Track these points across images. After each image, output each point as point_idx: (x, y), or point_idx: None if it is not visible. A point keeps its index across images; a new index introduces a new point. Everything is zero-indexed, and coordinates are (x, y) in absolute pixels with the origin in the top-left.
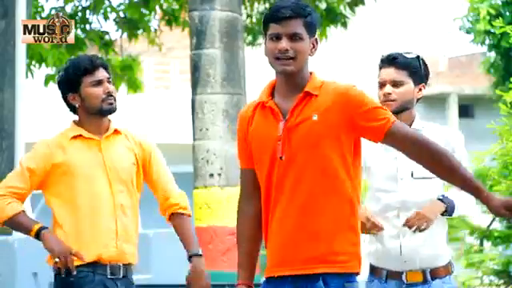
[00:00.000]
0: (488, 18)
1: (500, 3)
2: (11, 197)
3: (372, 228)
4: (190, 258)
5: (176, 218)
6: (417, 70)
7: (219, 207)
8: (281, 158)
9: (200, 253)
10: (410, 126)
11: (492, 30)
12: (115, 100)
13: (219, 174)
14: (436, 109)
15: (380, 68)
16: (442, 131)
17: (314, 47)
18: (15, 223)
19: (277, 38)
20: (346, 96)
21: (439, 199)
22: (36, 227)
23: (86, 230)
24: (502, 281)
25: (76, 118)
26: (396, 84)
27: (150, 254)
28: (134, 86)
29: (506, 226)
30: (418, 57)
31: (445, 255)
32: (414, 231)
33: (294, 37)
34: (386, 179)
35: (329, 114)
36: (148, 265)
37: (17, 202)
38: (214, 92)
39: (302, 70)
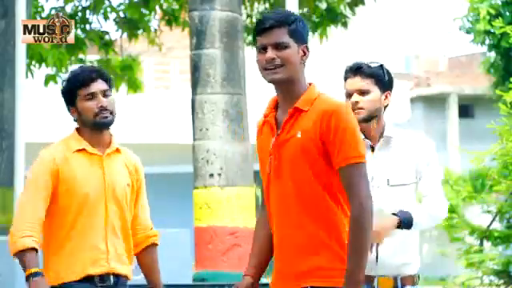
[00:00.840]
0: (488, 17)
1: (500, 3)
2: (30, 230)
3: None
4: None
5: (152, 250)
6: (381, 78)
7: (219, 207)
8: (269, 173)
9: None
10: (382, 134)
11: (492, 30)
12: (112, 113)
13: (219, 174)
14: (436, 109)
15: (345, 79)
16: (413, 140)
17: (304, 55)
18: (20, 259)
19: (263, 49)
20: (329, 115)
21: (393, 214)
22: (30, 271)
23: (77, 247)
24: (501, 281)
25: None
26: (363, 92)
27: None
28: (134, 85)
29: (506, 226)
30: (381, 65)
31: (415, 264)
32: None
33: (278, 46)
34: None
35: (310, 131)
36: None
37: (31, 235)
38: (214, 92)
39: (296, 79)
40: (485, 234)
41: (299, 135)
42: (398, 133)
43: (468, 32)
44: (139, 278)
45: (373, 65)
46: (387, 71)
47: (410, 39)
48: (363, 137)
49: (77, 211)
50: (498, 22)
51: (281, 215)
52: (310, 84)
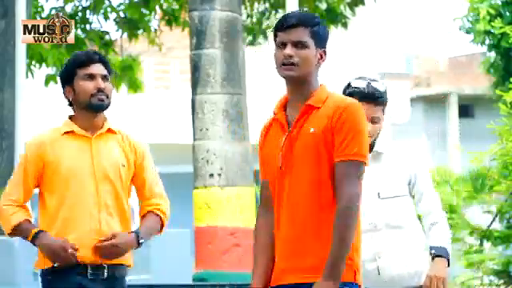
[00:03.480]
0: (488, 18)
1: (500, 3)
2: (15, 206)
3: None
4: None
5: (149, 215)
6: (386, 102)
7: (219, 207)
8: (280, 167)
9: (142, 238)
10: (372, 148)
11: (492, 30)
12: (108, 97)
13: (219, 174)
14: (436, 109)
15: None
16: (403, 157)
17: (321, 58)
18: (19, 232)
19: (283, 45)
20: (341, 110)
21: (436, 255)
22: (33, 231)
23: (70, 229)
24: (501, 281)
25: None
26: (373, 120)
27: (149, 253)
28: (134, 85)
29: (506, 226)
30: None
31: (425, 273)
32: None
33: (298, 44)
34: None
35: (323, 127)
36: (148, 265)
37: (21, 210)
38: (214, 92)
39: (308, 79)
40: (485, 234)
41: (312, 130)
42: (388, 147)
43: (468, 32)
44: (140, 277)
45: (379, 87)
46: (385, 90)
47: (410, 39)
48: None
49: (63, 193)
50: (498, 22)
51: (291, 210)
52: (321, 85)
